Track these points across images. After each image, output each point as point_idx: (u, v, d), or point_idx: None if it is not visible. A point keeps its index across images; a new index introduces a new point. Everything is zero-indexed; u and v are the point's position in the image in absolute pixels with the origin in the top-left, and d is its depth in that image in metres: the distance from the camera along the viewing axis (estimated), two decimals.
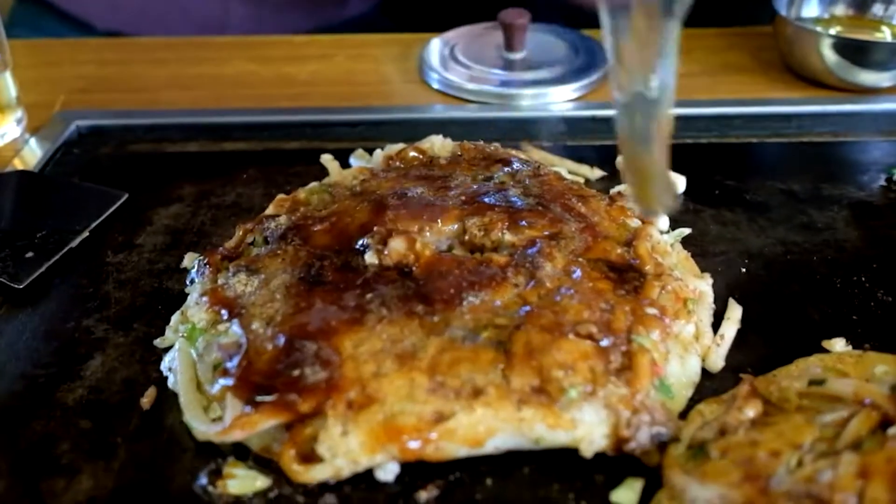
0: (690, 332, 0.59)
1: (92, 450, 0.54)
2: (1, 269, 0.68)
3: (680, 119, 0.90)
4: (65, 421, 0.56)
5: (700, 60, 1.07)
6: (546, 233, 0.62)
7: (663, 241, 0.66)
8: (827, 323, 0.63)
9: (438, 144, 0.79)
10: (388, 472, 0.51)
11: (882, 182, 0.81)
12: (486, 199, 0.66)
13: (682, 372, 0.57)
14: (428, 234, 0.63)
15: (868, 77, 0.95)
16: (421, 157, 0.77)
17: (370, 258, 0.60)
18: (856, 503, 0.43)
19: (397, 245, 0.60)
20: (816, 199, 0.78)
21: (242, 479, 0.51)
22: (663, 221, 0.71)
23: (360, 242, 0.62)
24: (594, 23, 0.53)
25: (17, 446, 0.54)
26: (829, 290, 0.67)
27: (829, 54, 0.94)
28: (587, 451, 0.51)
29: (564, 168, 0.81)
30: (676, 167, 0.79)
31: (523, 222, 0.63)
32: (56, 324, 0.65)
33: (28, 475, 0.52)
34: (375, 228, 0.62)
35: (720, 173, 0.82)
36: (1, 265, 0.69)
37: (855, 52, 0.94)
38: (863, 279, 0.68)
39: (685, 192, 0.79)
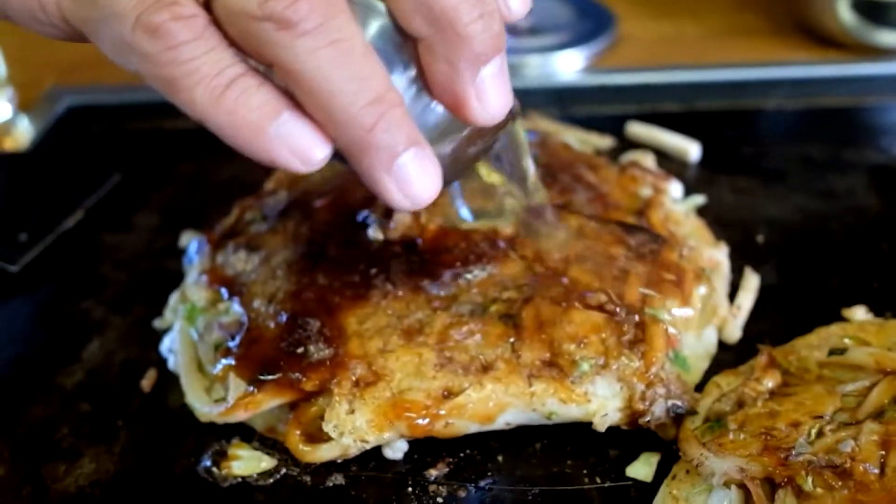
0: (707, 301, 0.57)
1: (93, 433, 0.53)
2: None
3: (693, 85, 0.89)
4: (64, 405, 0.55)
5: (711, 24, 1.04)
6: (555, 200, 0.60)
7: (676, 209, 0.64)
8: (847, 291, 0.61)
9: None
10: (396, 450, 0.50)
11: None
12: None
13: (699, 343, 0.55)
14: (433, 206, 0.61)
15: (887, 37, 0.92)
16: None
17: (374, 233, 0.59)
18: (878, 473, 0.42)
19: (403, 218, 0.59)
20: (835, 164, 0.76)
21: (247, 460, 0.50)
22: (676, 189, 0.69)
23: (363, 216, 0.60)
24: None
25: (16, 431, 0.53)
26: (849, 258, 0.65)
27: (847, 14, 0.91)
28: (601, 425, 0.49)
29: (573, 137, 0.78)
30: (690, 133, 0.78)
31: None
32: (53, 306, 0.64)
33: (28, 460, 0.51)
34: (378, 202, 0.61)
35: (735, 140, 0.80)
36: None
37: (873, 10, 0.90)
38: (883, 245, 0.66)
39: (699, 160, 0.77)
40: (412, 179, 0.38)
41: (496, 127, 0.42)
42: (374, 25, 0.38)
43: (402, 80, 0.39)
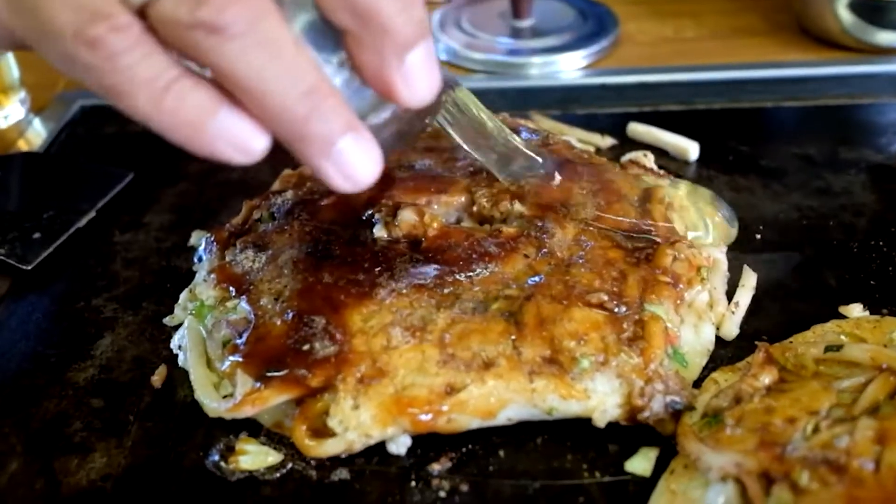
0: (704, 299, 0.58)
1: (104, 428, 0.54)
2: (9, 251, 0.68)
3: (692, 85, 0.90)
4: (76, 400, 0.56)
5: (711, 24, 1.05)
6: (557, 197, 0.61)
7: (678, 194, 0.65)
8: (844, 288, 0.62)
9: None
10: (400, 446, 0.51)
11: None
12: None
13: (696, 340, 0.56)
14: (436, 206, 0.62)
15: (885, 37, 0.93)
16: (428, 129, 0.76)
17: (379, 231, 0.60)
18: (873, 468, 0.42)
19: (407, 216, 0.60)
20: (833, 163, 0.77)
21: (254, 455, 0.51)
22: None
23: (368, 214, 0.61)
24: None
25: (29, 426, 0.54)
26: (846, 255, 0.65)
27: (845, 14, 0.92)
28: (600, 420, 0.50)
29: (574, 137, 0.79)
30: (689, 133, 0.79)
31: (533, 190, 0.62)
32: (65, 304, 0.65)
33: (41, 454, 0.52)
34: (383, 201, 0.62)
35: (734, 139, 0.80)
36: (8, 247, 0.68)
37: (872, 11, 0.91)
38: (881, 243, 0.66)
39: (698, 159, 0.78)
40: (352, 162, 0.41)
41: (434, 103, 0.44)
42: (304, 20, 0.41)
43: (334, 69, 0.41)
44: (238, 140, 0.39)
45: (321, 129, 0.39)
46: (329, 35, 0.41)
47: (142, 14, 0.37)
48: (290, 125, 0.39)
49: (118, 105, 0.38)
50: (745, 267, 0.63)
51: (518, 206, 0.61)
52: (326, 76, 0.40)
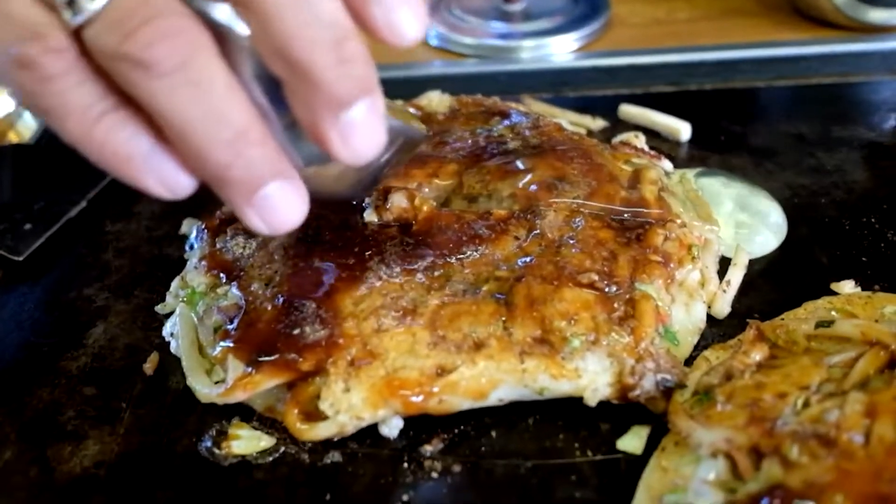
0: (696, 278, 0.58)
1: (97, 416, 0.54)
2: (0, 242, 0.68)
3: (683, 65, 0.89)
4: (69, 388, 0.56)
5: (703, 4, 1.04)
6: (548, 178, 0.61)
7: (671, 179, 0.65)
8: (836, 265, 0.62)
9: (436, 100, 0.77)
10: (392, 428, 0.51)
11: (892, 122, 0.79)
12: (485, 152, 0.65)
13: (688, 319, 0.56)
14: (426, 189, 0.62)
15: (878, 15, 0.92)
16: (418, 113, 0.76)
17: (369, 215, 0.60)
18: (862, 442, 0.42)
19: (398, 200, 0.59)
20: (825, 141, 0.77)
21: (247, 440, 0.51)
22: (668, 168, 0.70)
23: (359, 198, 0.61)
24: None
25: (22, 414, 0.54)
26: (838, 233, 0.65)
27: None
28: (591, 399, 0.50)
29: (565, 119, 0.79)
30: (681, 114, 0.78)
31: (523, 172, 0.62)
32: (57, 294, 0.65)
33: (35, 442, 0.52)
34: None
35: (726, 119, 0.80)
36: (0, 238, 0.68)
37: None
38: (872, 220, 0.66)
39: (690, 140, 0.77)
40: (274, 209, 0.39)
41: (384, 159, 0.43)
42: (250, 62, 0.38)
43: (275, 113, 0.39)
44: (166, 178, 0.38)
45: (243, 176, 0.38)
46: (273, 82, 0.38)
47: (78, 35, 0.36)
48: (212, 169, 0.38)
49: (49, 124, 0.37)
50: (738, 245, 0.63)
51: (509, 187, 0.61)
52: (259, 122, 0.38)
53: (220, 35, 0.37)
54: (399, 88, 0.86)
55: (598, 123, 0.80)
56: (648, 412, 0.51)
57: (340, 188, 0.47)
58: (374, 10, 0.38)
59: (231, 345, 0.53)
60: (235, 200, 0.39)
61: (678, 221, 0.60)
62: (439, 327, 0.51)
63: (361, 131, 0.38)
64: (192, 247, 0.64)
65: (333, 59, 0.36)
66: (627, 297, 0.53)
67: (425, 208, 0.59)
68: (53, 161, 0.79)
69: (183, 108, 0.36)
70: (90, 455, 0.51)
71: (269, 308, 0.54)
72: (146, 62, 0.35)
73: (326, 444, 0.51)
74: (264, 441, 0.51)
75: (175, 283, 0.62)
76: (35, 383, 0.57)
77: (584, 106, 0.83)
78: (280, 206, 0.39)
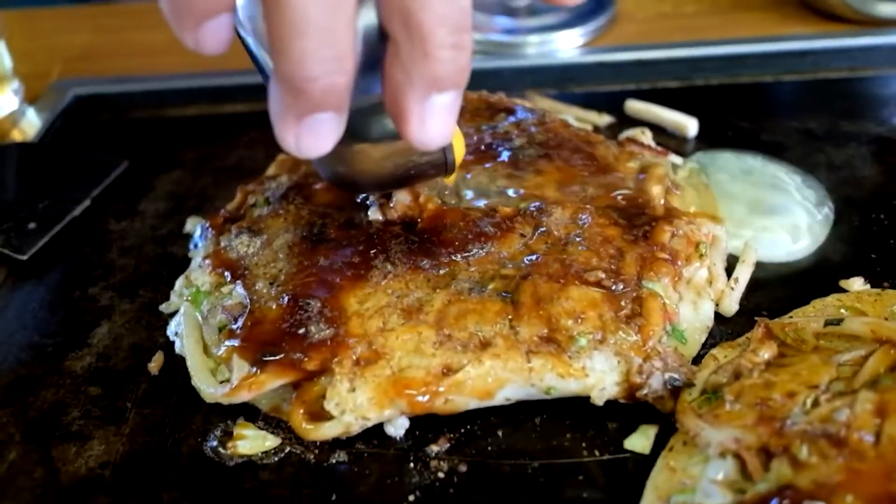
0: (703, 276, 0.58)
1: (102, 416, 0.54)
2: (4, 241, 0.68)
3: (691, 60, 0.88)
4: (74, 388, 0.56)
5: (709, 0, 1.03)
6: (554, 175, 0.61)
7: (678, 176, 0.65)
8: (845, 262, 0.61)
9: None
10: (398, 427, 0.51)
11: None
12: (490, 149, 0.65)
13: (695, 317, 0.56)
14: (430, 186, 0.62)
15: (886, 8, 0.91)
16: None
17: (374, 214, 0.59)
18: (873, 441, 0.42)
19: (402, 198, 0.59)
20: (834, 136, 0.76)
21: (252, 440, 0.51)
22: (676, 160, 0.69)
23: (363, 197, 0.60)
24: None
25: (28, 415, 0.54)
26: (848, 229, 0.65)
27: None
28: (599, 399, 0.50)
29: (571, 115, 0.79)
30: (688, 109, 0.78)
31: (529, 169, 0.61)
32: (62, 293, 0.65)
33: (40, 443, 0.52)
34: None
35: (733, 114, 0.80)
36: (4, 237, 0.68)
37: None
38: (882, 216, 0.66)
39: (698, 135, 0.77)
40: (317, 135, 0.39)
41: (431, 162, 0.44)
42: (367, 15, 0.39)
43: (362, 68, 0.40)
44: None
45: (317, 94, 0.38)
46: (377, 42, 0.39)
47: None
48: (297, 72, 0.37)
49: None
50: (746, 242, 0.62)
51: (514, 185, 0.61)
52: (354, 57, 0.38)
53: None
54: None
55: (605, 119, 0.80)
56: (656, 411, 0.50)
57: (372, 171, 0.47)
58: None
59: (236, 344, 0.52)
60: (290, 110, 0.39)
61: (685, 218, 0.60)
62: (445, 326, 0.51)
63: (441, 117, 0.39)
64: (196, 245, 0.64)
65: (451, 41, 0.37)
66: (635, 295, 0.52)
67: (430, 206, 0.59)
68: (57, 160, 0.80)
69: (313, 9, 0.36)
70: (95, 455, 0.51)
71: (274, 307, 0.53)
72: None
73: (332, 444, 0.50)
74: (269, 441, 0.51)
75: (179, 282, 0.62)
76: (40, 384, 0.56)
77: (590, 102, 0.82)
78: (321, 135, 0.40)
